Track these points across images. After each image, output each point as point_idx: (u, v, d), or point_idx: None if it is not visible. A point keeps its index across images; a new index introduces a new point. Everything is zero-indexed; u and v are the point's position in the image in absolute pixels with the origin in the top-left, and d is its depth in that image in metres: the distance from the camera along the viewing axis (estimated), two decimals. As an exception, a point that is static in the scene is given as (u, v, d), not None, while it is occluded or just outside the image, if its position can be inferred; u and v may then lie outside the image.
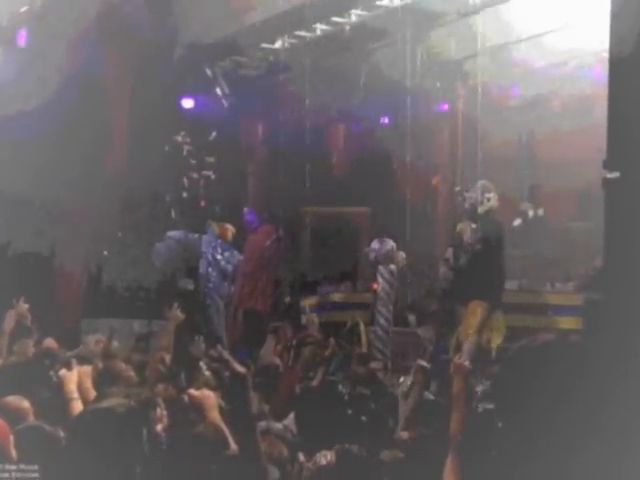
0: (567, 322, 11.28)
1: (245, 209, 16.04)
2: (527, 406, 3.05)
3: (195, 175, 17.56)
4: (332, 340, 9.26)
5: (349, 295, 14.51)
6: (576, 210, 14.14)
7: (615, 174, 6.11)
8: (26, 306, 8.37)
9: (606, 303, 6.33)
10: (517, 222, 14.43)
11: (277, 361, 9.08)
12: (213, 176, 17.62)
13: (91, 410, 4.27)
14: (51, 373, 6.37)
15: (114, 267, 15.10)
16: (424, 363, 7.11)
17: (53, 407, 5.50)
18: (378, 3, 15.40)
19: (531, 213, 14.59)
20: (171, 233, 15.37)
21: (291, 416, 7.14)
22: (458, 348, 10.47)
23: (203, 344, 9.30)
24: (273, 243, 14.37)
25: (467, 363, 5.07)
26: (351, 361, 9.91)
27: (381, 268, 13.57)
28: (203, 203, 17.48)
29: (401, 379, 8.21)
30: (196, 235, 14.88)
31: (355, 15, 15.92)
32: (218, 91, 18.05)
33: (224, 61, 18.03)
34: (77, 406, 5.35)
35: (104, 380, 6.29)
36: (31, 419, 5.35)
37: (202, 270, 14.25)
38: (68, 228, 14.47)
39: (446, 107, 16.54)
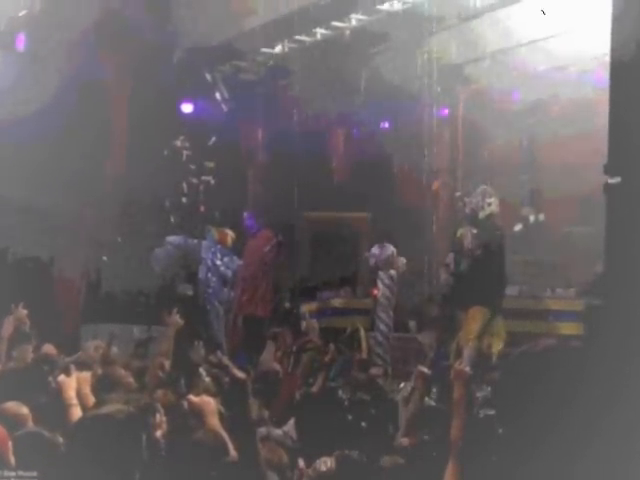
0: (568, 328, 11.27)
1: (245, 214, 16.00)
2: (528, 412, 3.04)
3: (194, 180, 17.53)
4: (332, 346, 9.24)
5: (349, 301, 14.51)
6: (577, 215, 14.09)
7: (616, 179, 6.10)
8: (25, 312, 8.35)
9: (607, 309, 6.30)
10: (518, 227, 14.40)
11: (277, 367, 9.06)
12: (213, 181, 17.58)
13: (90, 416, 4.26)
14: (50, 379, 6.38)
15: (113, 273, 15.09)
16: (424, 369, 7.09)
17: (52, 413, 5.48)
18: (378, 7, 15.43)
19: (532, 218, 14.57)
20: (170, 238, 15.34)
21: (291, 422, 7.13)
22: (459, 354, 10.45)
23: (203, 350, 9.27)
24: (273, 248, 14.33)
25: (468, 369, 5.05)
26: (351, 367, 9.89)
27: (381, 274, 13.55)
28: (202, 208, 17.47)
29: (401, 385, 8.23)
30: (195, 240, 14.86)
31: (355, 19, 15.95)
32: (218, 96, 18.06)
33: (224, 65, 18.04)
34: (76, 412, 5.34)
35: (103, 386, 6.28)
36: (30, 425, 5.32)
37: (202, 275, 14.22)
38: (67, 234, 14.47)
39: (447, 112, 16.50)
